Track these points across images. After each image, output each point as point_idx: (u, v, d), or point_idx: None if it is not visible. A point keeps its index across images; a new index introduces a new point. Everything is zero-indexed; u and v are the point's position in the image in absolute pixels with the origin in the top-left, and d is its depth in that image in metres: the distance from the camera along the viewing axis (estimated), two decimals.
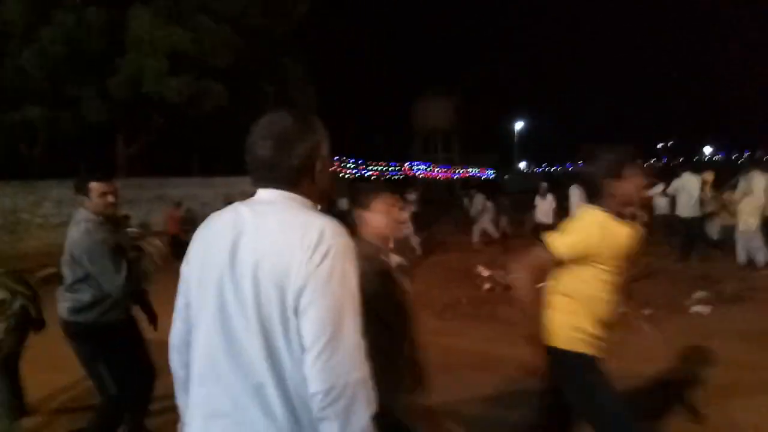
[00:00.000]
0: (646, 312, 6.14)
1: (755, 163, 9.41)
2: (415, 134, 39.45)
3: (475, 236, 12.39)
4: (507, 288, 7.90)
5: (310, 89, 19.64)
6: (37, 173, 14.40)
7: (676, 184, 9.33)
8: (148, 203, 15.49)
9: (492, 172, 45.79)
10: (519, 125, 43.87)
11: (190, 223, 14.12)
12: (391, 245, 2.32)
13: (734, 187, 8.94)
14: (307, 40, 20.28)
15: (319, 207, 1.40)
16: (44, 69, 12.48)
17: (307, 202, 1.36)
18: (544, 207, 11.16)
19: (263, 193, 1.35)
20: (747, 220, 8.35)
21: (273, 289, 1.19)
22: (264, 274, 1.20)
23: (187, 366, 1.37)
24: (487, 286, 8.21)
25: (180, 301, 1.40)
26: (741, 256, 8.50)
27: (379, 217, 2.21)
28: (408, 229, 10.86)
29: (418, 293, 8.11)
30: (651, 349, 4.71)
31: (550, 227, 11.41)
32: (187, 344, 1.37)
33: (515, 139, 44.18)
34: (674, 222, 9.73)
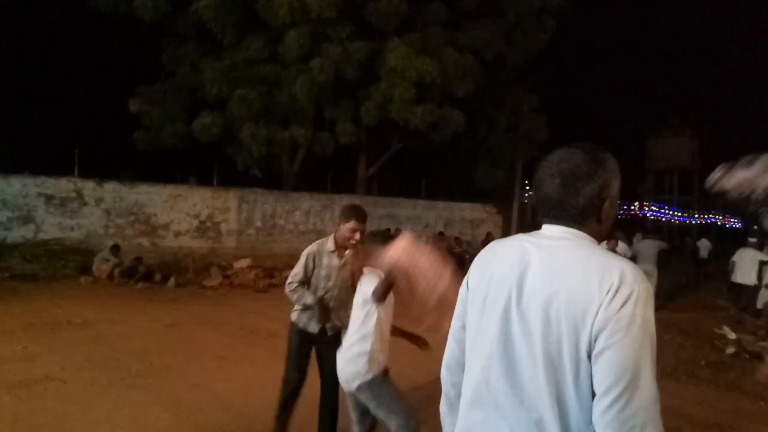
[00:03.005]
0: None
1: None
2: (647, 172, 36.07)
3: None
4: (756, 356, 6.80)
5: (542, 120, 19.19)
6: (292, 185, 16.38)
7: None
8: (378, 219, 16.58)
9: (737, 220, 39.71)
10: None
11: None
12: None
13: None
14: (542, 72, 19.96)
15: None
16: (311, 94, 14.12)
17: (594, 240, 1.31)
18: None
19: (549, 229, 1.33)
20: None
21: (566, 327, 1.16)
22: (556, 312, 1.17)
23: (456, 386, 1.44)
24: (730, 350, 7.15)
25: (456, 323, 1.47)
26: None
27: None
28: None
29: None
30: None
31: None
32: (459, 364, 1.43)
33: None
34: None
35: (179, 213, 13.72)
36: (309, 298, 3.53)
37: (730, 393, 5.59)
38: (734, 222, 38.24)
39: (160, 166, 15.58)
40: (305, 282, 3.57)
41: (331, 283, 3.58)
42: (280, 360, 6.14)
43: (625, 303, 1.13)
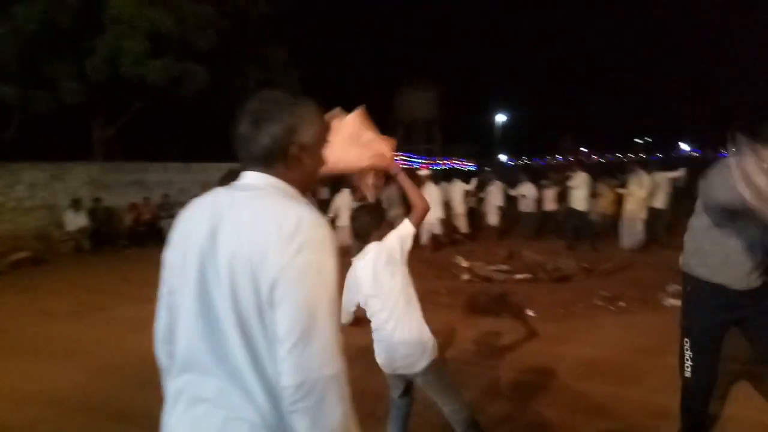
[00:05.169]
0: (620, 305, 6.30)
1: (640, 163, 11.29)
2: (397, 123, 39.20)
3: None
4: (486, 279, 7.95)
5: (293, 74, 19.33)
6: (8, 155, 13.90)
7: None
8: (125, 187, 15.10)
9: (472, 163, 45.75)
10: (500, 118, 44.03)
11: (167, 209, 13.97)
12: None
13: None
14: (291, 25, 20.01)
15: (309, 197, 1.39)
16: (17, 47, 12.04)
17: (291, 189, 1.32)
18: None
19: (246, 177, 1.33)
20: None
21: (248, 278, 1.17)
22: (239, 263, 1.18)
23: (172, 355, 1.35)
24: (465, 277, 8.21)
25: (162, 289, 1.38)
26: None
27: None
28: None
29: None
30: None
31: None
32: (172, 332, 1.34)
33: (497, 131, 44.34)
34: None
35: None
36: None
37: (468, 313, 6.31)
38: (469, 165, 44.00)
39: None
40: None
41: None
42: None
43: (300, 250, 1.15)
